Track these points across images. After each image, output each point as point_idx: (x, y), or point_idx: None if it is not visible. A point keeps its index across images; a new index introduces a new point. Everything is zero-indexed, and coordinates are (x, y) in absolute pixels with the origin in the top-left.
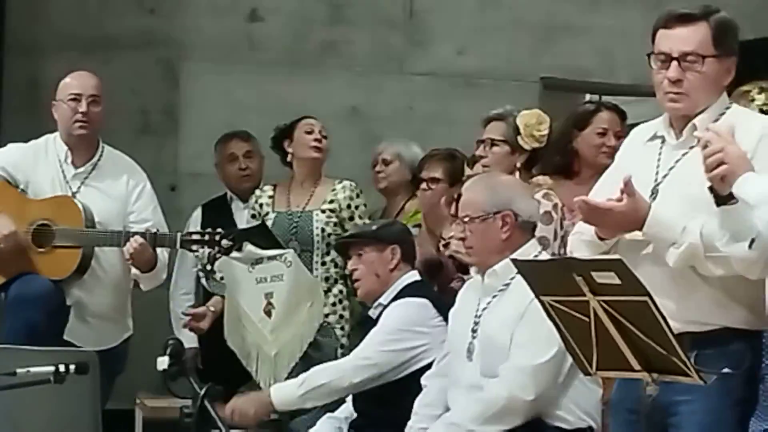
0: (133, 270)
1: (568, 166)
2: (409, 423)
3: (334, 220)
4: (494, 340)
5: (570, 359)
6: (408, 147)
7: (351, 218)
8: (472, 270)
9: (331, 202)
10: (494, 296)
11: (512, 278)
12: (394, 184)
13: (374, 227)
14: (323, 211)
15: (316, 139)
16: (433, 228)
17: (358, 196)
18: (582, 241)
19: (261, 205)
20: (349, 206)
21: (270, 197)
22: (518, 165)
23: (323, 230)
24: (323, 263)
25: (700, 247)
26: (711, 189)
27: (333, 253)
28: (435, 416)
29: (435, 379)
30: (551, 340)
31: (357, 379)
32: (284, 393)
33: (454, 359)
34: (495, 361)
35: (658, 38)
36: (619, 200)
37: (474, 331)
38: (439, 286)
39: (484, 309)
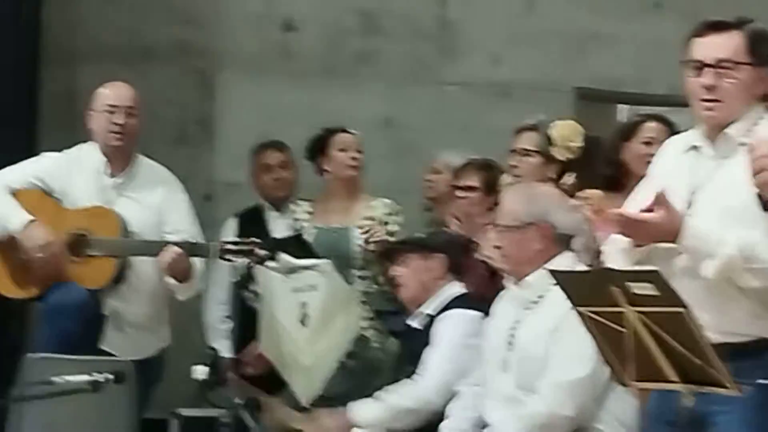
0: (169, 280)
1: (616, 179)
2: (443, 424)
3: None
4: (530, 353)
5: (607, 372)
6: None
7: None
8: (507, 280)
9: (370, 218)
10: (529, 308)
11: (547, 290)
12: (441, 194)
13: (421, 235)
14: (361, 228)
15: (351, 158)
16: (468, 235)
17: (395, 214)
18: (618, 250)
19: (298, 221)
20: (386, 223)
21: (308, 212)
22: (551, 176)
23: (361, 246)
24: (362, 278)
25: (738, 259)
26: (759, 195)
27: (372, 269)
28: (469, 418)
29: (470, 386)
30: (588, 354)
31: (441, 401)
32: (369, 413)
33: (488, 370)
34: (531, 374)
35: (693, 46)
36: (650, 210)
37: (509, 343)
38: (465, 267)
39: (519, 321)
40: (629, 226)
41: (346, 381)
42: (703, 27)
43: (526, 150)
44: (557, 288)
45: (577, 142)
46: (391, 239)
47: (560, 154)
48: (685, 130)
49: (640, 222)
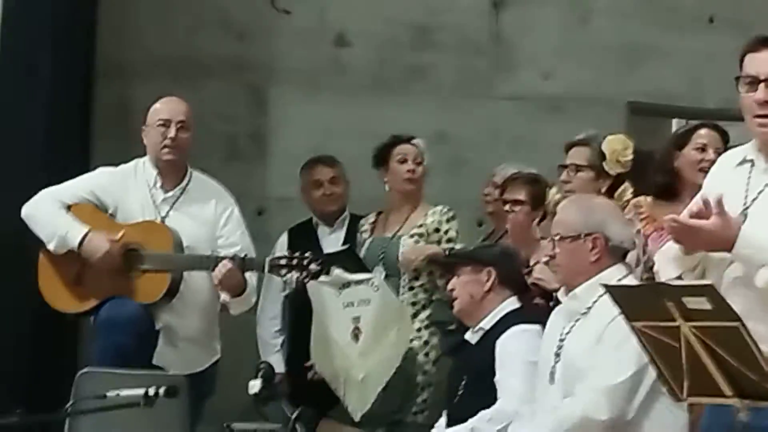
0: (222, 295)
1: (670, 187)
2: None
3: (422, 245)
4: (575, 365)
5: (648, 382)
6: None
7: (438, 243)
8: (560, 294)
9: (420, 226)
10: (577, 320)
11: (594, 301)
12: (499, 208)
13: (472, 248)
14: (411, 236)
15: (408, 170)
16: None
17: (448, 221)
18: (669, 259)
19: (362, 233)
20: (437, 230)
21: (371, 224)
22: (602, 190)
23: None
24: (411, 288)
25: None
26: None
27: (422, 279)
28: None
29: (528, 405)
30: (628, 361)
31: (517, 422)
32: None
33: (539, 383)
34: (576, 385)
35: (746, 62)
36: (706, 217)
37: (557, 355)
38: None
39: (567, 333)
40: (683, 233)
41: (388, 398)
42: (756, 42)
43: (577, 165)
44: (604, 299)
45: (628, 156)
46: (450, 246)
47: (611, 169)
48: (739, 143)
49: (695, 228)
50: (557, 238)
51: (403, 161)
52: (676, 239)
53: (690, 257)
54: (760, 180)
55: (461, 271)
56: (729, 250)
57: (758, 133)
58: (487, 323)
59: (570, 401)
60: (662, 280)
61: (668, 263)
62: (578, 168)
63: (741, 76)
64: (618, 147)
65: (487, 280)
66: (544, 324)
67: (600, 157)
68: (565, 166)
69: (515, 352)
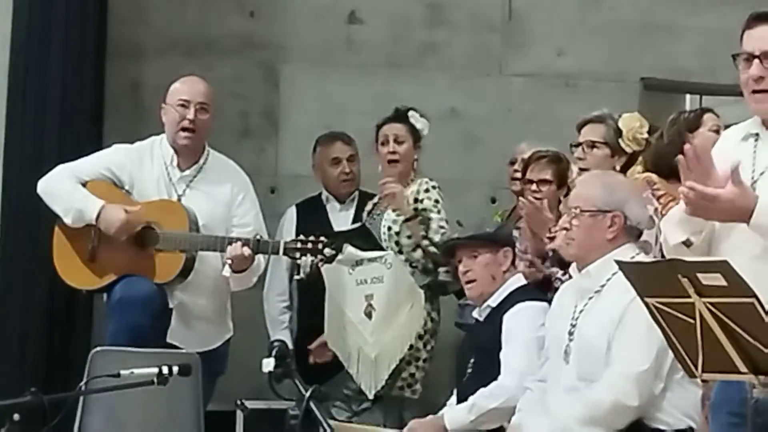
0: (225, 269)
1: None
2: (513, 419)
3: (402, 218)
4: (591, 344)
5: (668, 360)
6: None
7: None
8: (572, 269)
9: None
10: (590, 298)
11: (608, 279)
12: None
13: (489, 229)
14: (394, 210)
15: (389, 152)
16: (536, 231)
17: (426, 191)
18: (675, 223)
19: (369, 213)
20: (416, 200)
21: (374, 204)
22: (617, 168)
23: (390, 228)
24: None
25: None
26: None
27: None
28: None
29: (538, 383)
30: (651, 344)
31: (527, 399)
32: (457, 418)
33: (551, 361)
34: (592, 365)
35: (744, 39)
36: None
37: (570, 333)
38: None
39: (581, 311)
40: (700, 203)
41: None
42: (750, 19)
43: (593, 142)
44: (618, 278)
45: (644, 134)
46: (422, 215)
47: (628, 146)
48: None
49: (712, 197)
50: (577, 211)
51: (384, 143)
52: (693, 210)
53: (696, 220)
54: (765, 153)
55: (478, 252)
56: (747, 219)
57: (756, 110)
58: (493, 301)
59: (598, 388)
60: (669, 245)
61: (675, 227)
62: (594, 145)
63: (738, 54)
64: (635, 124)
65: (505, 260)
66: (549, 301)
67: (616, 134)
68: (578, 144)
69: (520, 328)
